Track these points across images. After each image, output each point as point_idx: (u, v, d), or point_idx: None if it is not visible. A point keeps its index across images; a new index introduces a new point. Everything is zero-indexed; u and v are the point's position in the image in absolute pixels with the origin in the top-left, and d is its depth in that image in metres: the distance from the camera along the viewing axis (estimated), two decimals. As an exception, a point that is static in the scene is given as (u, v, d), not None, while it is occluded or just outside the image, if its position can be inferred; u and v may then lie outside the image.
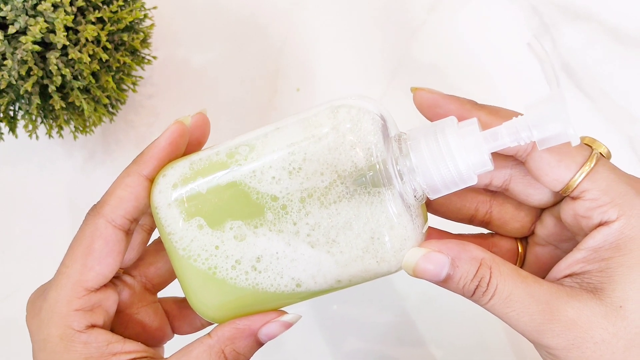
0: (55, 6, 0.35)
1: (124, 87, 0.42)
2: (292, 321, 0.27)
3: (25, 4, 0.34)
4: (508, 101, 0.47)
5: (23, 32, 0.35)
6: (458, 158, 0.24)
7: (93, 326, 0.26)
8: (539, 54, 0.24)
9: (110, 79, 0.39)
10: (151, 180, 0.27)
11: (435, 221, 0.30)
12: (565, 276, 0.26)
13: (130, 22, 0.39)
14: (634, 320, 0.24)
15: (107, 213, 0.27)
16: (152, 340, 0.30)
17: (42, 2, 0.34)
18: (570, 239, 0.28)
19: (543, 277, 0.27)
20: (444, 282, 0.25)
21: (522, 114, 0.25)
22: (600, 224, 0.25)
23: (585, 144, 0.26)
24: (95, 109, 0.39)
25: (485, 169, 0.24)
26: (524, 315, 0.24)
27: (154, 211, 0.26)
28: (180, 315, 0.32)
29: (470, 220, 0.30)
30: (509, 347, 0.43)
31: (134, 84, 0.42)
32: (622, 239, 0.25)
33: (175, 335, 0.32)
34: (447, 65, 0.48)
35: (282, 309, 0.27)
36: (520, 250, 0.31)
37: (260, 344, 0.27)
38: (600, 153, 0.26)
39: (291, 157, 0.24)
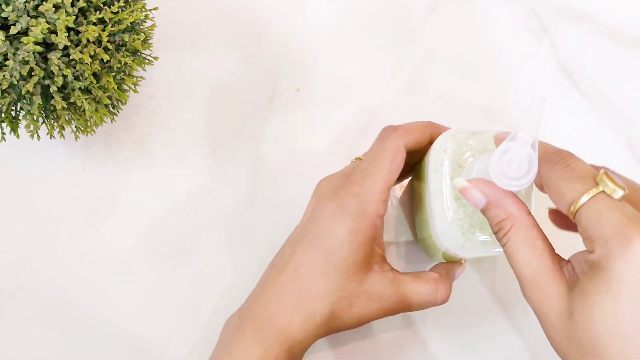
0: (56, 7, 0.35)
1: (125, 87, 0.42)
2: (464, 268, 0.40)
3: (27, 4, 0.34)
4: (507, 101, 0.47)
5: (25, 32, 0.35)
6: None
7: (381, 216, 0.36)
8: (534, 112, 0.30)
9: (111, 80, 0.39)
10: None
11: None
12: (569, 262, 0.30)
13: (131, 23, 0.39)
14: (577, 330, 0.27)
15: (407, 141, 0.37)
16: None
17: (44, 3, 0.34)
18: None
19: None
20: (482, 212, 0.32)
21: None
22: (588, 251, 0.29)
23: (595, 179, 0.28)
24: (96, 109, 0.40)
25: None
26: (515, 272, 0.30)
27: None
28: None
29: None
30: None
31: (135, 84, 0.42)
32: (601, 270, 0.27)
33: None
34: (446, 66, 0.48)
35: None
36: None
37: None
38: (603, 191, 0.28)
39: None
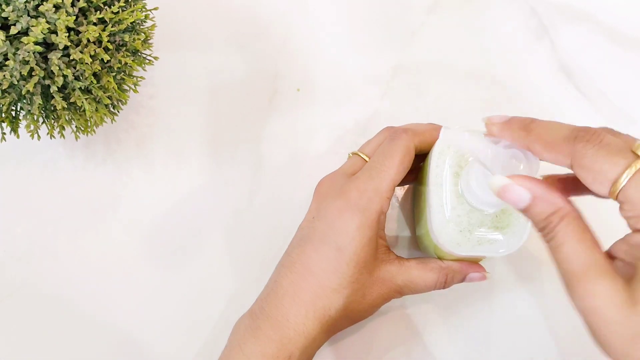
0: (56, 7, 0.35)
1: (125, 87, 0.42)
2: (484, 279, 0.39)
3: (27, 4, 0.34)
4: (507, 101, 0.47)
5: (25, 32, 0.35)
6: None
7: (385, 212, 0.37)
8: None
9: (111, 80, 0.39)
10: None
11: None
12: (616, 257, 0.29)
13: (131, 23, 0.39)
14: None
15: (416, 142, 0.38)
16: None
17: (44, 3, 0.34)
18: None
19: None
20: (523, 212, 0.29)
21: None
22: (637, 230, 0.27)
23: (633, 151, 0.27)
24: (96, 109, 0.40)
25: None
26: (562, 267, 0.28)
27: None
28: None
29: None
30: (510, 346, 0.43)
31: (135, 84, 0.42)
32: None
33: None
34: (446, 66, 0.48)
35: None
36: None
37: (462, 281, 0.40)
38: None
39: None
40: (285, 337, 0.35)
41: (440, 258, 0.39)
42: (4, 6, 0.34)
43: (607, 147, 0.27)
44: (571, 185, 0.33)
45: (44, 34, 0.34)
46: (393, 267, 0.38)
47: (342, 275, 0.35)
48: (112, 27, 0.37)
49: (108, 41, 0.38)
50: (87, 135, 0.42)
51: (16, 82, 0.35)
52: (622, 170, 0.26)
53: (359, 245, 0.36)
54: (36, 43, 0.34)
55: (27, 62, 0.35)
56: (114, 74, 0.39)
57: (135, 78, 0.42)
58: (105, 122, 0.42)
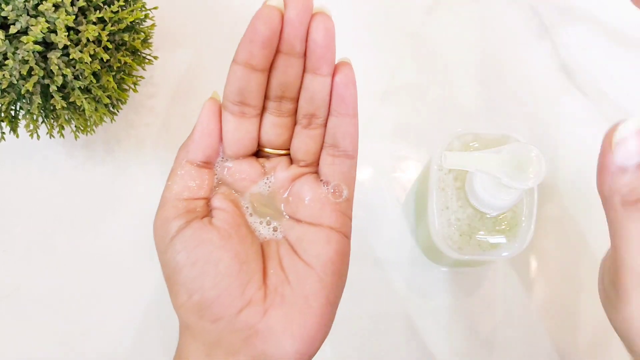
0: (56, 6, 0.35)
1: (125, 87, 0.42)
2: None
3: (27, 4, 0.34)
4: (507, 101, 0.47)
5: (24, 32, 0.35)
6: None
7: None
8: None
9: (111, 79, 0.39)
10: None
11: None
12: None
13: (131, 22, 0.39)
14: None
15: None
16: None
17: (44, 2, 0.34)
18: None
19: None
20: (624, 172, 0.24)
21: None
22: None
23: None
24: (96, 109, 0.39)
25: None
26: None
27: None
28: None
29: None
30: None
31: (134, 83, 0.42)
32: None
33: None
34: (446, 66, 0.48)
35: None
36: None
37: None
38: None
39: None
40: None
41: (442, 261, 0.39)
42: (3, 5, 0.34)
43: None
44: None
45: (44, 33, 0.34)
46: None
47: None
48: (111, 26, 0.37)
49: (107, 40, 0.38)
50: (86, 134, 0.42)
51: (15, 82, 0.35)
52: None
53: None
54: (35, 42, 0.34)
55: (26, 62, 0.35)
56: (113, 73, 0.39)
57: (134, 77, 0.42)
58: (105, 121, 0.42)
